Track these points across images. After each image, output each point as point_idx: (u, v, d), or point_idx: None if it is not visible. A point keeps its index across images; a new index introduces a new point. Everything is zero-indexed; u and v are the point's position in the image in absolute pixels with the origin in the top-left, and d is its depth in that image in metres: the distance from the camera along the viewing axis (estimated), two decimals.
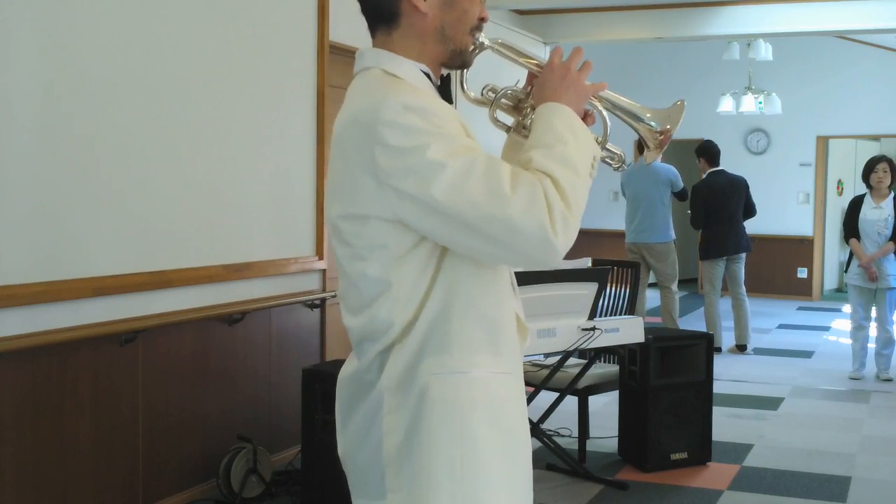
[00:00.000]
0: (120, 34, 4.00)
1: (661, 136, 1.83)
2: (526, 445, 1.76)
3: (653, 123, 1.84)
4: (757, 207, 8.99)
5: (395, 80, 1.70)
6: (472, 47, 1.80)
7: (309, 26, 5.27)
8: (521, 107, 1.88)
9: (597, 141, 1.77)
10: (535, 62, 1.84)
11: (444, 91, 1.81)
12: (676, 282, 8.51)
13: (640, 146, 1.81)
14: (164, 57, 4.23)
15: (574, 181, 1.62)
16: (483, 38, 1.81)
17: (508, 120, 1.92)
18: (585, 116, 1.78)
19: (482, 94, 1.89)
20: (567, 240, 1.60)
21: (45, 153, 3.68)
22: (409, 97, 1.62)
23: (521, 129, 1.89)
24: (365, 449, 1.73)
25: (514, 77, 2.03)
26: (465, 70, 1.86)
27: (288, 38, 5.10)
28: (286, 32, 5.09)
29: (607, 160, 1.88)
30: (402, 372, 1.66)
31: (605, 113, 1.82)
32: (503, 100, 1.88)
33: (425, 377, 1.65)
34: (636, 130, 1.85)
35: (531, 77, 1.86)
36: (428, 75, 1.76)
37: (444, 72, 1.83)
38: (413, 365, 1.66)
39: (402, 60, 1.73)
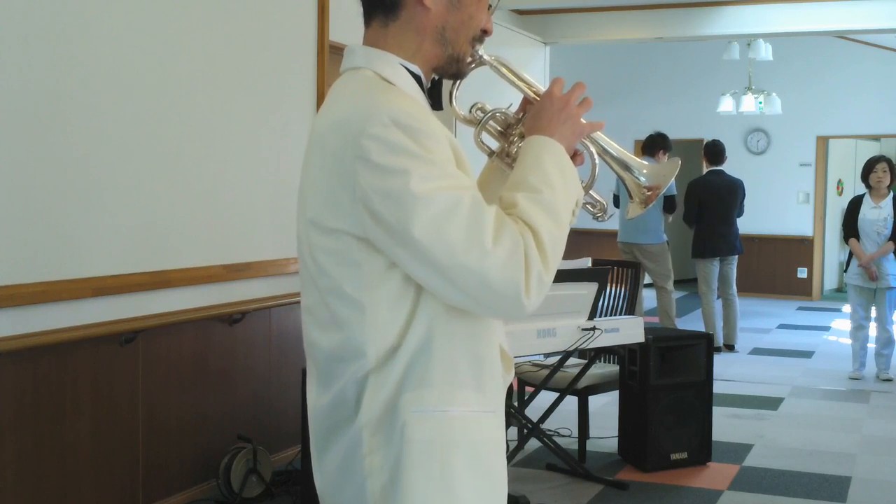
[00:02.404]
0: (119, 34, 4.00)
1: (649, 193, 1.73)
2: (504, 486, 1.67)
3: (642, 178, 1.74)
4: (757, 207, 9.00)
5: (386, 86, 1.59)
6: (469, 58, 1.70)
7: (309, 26, 5.27)
8: (509, 133, 1.78)
9: (581, 185, 1.68)
10: (534, 89, 1.75)
11: (435, 96, 1.71)
12: (671, 281, 8.54)
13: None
14: (164, 56, 4.23)
15: (556, 235, 1.54)
16: (483, 52, 1.71)
17: (493, 143, 1.81)
18: (574, 156, 1.69)
19: (470, 112, 1.79)
20: (539, 300, 1.52)
21: (44, 153, 3.67)
22: (399, 111, 1.50)
23: (504, 157, 1.79)
24: (347, 490, 1.62)
25: (501, 98, 1.94)
26: (458, 82, 1.76)
27: (288, 38, 5.10)
28: (286, 32, 5.09)
29: (588, 206, 1.79)
30: (382, 408, 1.55)
31: (596, 158, 1.73)
32: (491, 122, 1.78)
33: (405, 414, 1.54)
34: (623, 181, 1.75)
35: (525, 103, 1.77)
36: (419, 79, 1.66)
37: (435, 77, 1.73)
38: (393, 400, 1.55)
39: (395, 64, 1.63)
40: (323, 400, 1.64)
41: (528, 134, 1.67)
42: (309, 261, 1.61)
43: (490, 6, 1.70)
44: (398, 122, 1.49)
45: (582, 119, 1.68)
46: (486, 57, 1.72)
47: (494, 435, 1.63)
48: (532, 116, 1.69)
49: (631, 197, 1.76)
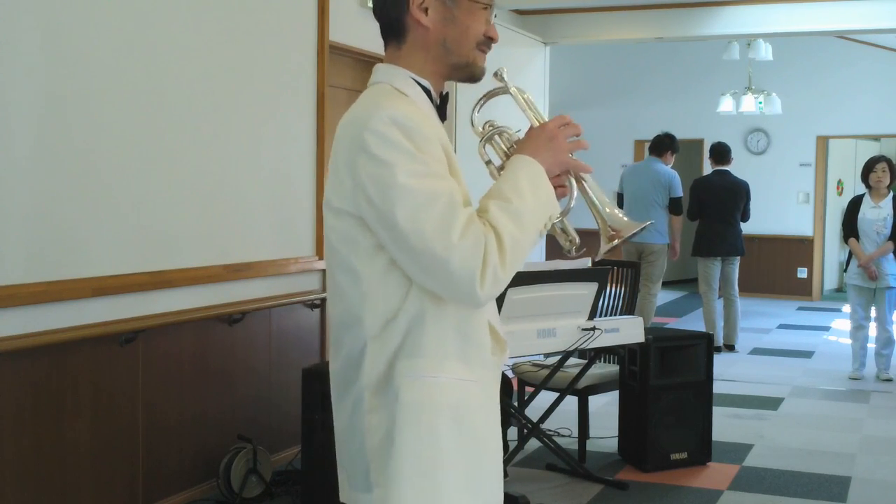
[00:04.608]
0: (119, 35, 4.00)
1: (613, 233, 1.93)
2: (493, 450, 1.87)
3: (609, 220, 1.94)
4: (757, 207, 9.00)
5: (397, 94, 1.82)
6: (480, 62, 1.91)
7: (309, 26, 5.27)
8: (511, 153, 1.97)
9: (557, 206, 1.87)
10: (539, 118, 1.95)
11: (441, 108, 1.91)
12: (658, 285, 8.55)
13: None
14: (165, 57, 4.23)
15: (518, 239, 1.74)
16: (507, 79, 1.95)
17: (497, 159, 2.00)
18: (560, 187, 1.88)
19: (483, 128, 2.00)
20: (492, 293, 1.73)
21: (45, 154, 3.68)
22: (399, 112, 1.73)
23: (501, 171, 1.97)
24: (353, 441, 1.86)
25: (509, 116, 2.11)
26: (478, 105, 1.98)
27: (288, 38, 5.10)
28: (286, 32, 5.09)
29: (560, 238, 1.96)
30: (381, 373, 1.79)
31: (576, 193, 1.93)
32: (497, 138, 1.98)
33: (399, 379, 1.77)
34: (595, 219, 1.95)
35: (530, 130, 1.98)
36: (429, 92, 1.88)
37: (446, 90, 1.94)
38: (389, 366, 1.78)
39: (407, 78, 1.87)
40: (336, 363, 1.90)
41: (516, 152, 1.89)
42: (325, 238, 1.87)
43: (492, 15, 1.91)
44: (396, 121, 1.72)
45: (570, 154, 1.88)
46: (510, 86, 1.96)
47: (479, 401, 1.84)
48: (523, 139, 1.92)
49: (600, 235, 1.96)
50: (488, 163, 2.00)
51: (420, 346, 1.77)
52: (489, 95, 2.00)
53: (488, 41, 1.91)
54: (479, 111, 1.99)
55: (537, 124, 1.94)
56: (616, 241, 1.93)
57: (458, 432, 1.79)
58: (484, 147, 1.99)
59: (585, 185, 1.93)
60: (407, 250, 1.71)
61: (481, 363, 1.85)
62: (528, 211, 1.77)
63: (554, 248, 7.86)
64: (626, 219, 1.96)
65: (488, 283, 1.70)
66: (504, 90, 1.97)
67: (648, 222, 2.05)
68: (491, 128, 1.99)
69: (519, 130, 2.01)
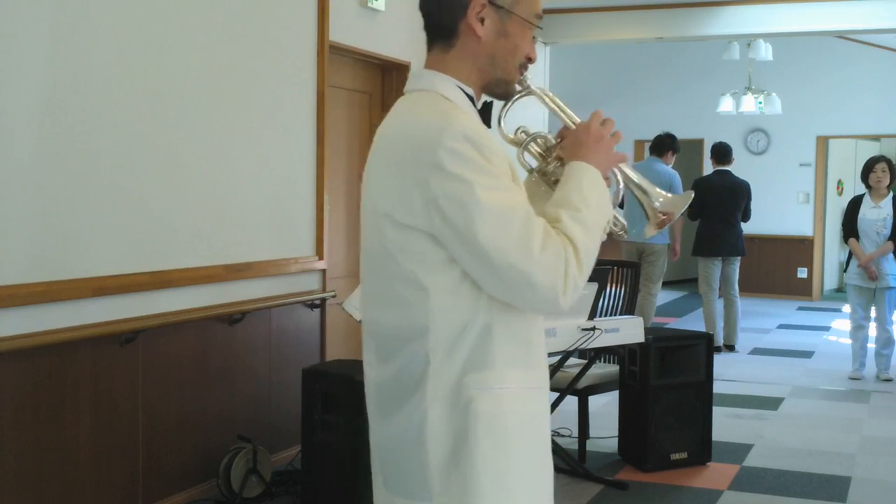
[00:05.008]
0: (121, 35, 4.00)
1: (663, 217, 2.00)
2: (549, 454, 1.91)
3: (657, 204, 2.00)
4: (757, 207, 9.00)
5: (453, 105, 1.83)
6: (516, 82, 1.94)
7: (309, 26, 5.27)
8: (548, 155, 2.02)
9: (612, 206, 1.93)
10: (574, 119, 2.00)
11: (485, 116, 1.93)
12: (658, 285, 8.54)
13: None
14: (165, 57, 4.23)
15: (591, 248, 1.80)
16: (531, 82, 1.96)
17: (533, 162, 2.05)
18: (605, 180, 1.93)
19: (515, 134, 2.04)
20: (572, 301, 1.77)
21: (46, 154, 3.68)
22: (470, 129, 1.74)
23: (543, 175, 2.03)
24: (406, 451, 1.85)
25: (532, 123, 2.12)
26: (506, 108, 2.00)
27: (288, 38, 5.10)
28: (286, 32, 5.09)
29: (613, 226, 2.02)
30: (449, 386, 1.79)
31: (622, 184, 1.99)
32: (532, 144, 2.02)
33: (469, 391, 1.78)
34: (642, 204, 2.01)
35: (564, 130, 2.01)
36: (472, 99, 1.89)
37: (487, 99, 1.96)
38: (458, 379, 1.78)
39: (453, 86, 1.87)
40: (386, 373, 1.88)
41: (568, 159, 1.92)
42: (378, 248, 1.84)
43: (534, 37, 1.94)
44: (469, 138, 1.73)
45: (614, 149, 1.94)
46: (534, 88, 1.98)
47: (543, 407, 1.89)
48: (572, 144, 1.94)
49: (648, 218, 2.02)
50: (530, 171, 2.04)
51: (488, 357, 1.79)
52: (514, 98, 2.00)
53: (527, 62, 1.93)
54: (504, 119, 2.02)
55: (573, 126, 1.97)
56: (667, 225, 1.99)
57: (529, 440, 1.83)
58: (523, 155, 2.02)
59: (628, 174, 1.97)
60: (488, 266, 1.72)
61: (541, 367, 1.89)
62: (594, 218, 1.82)
63: None
64: (670, 195, 2.00)
65: (570, 293, 1.75)
66: (527, 93, 1.99)
67: (692, 194, 2.08)
68: (524, 134, 2.02)
69: (551, 131, 2.04)
